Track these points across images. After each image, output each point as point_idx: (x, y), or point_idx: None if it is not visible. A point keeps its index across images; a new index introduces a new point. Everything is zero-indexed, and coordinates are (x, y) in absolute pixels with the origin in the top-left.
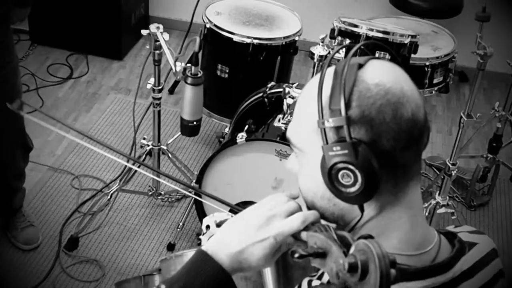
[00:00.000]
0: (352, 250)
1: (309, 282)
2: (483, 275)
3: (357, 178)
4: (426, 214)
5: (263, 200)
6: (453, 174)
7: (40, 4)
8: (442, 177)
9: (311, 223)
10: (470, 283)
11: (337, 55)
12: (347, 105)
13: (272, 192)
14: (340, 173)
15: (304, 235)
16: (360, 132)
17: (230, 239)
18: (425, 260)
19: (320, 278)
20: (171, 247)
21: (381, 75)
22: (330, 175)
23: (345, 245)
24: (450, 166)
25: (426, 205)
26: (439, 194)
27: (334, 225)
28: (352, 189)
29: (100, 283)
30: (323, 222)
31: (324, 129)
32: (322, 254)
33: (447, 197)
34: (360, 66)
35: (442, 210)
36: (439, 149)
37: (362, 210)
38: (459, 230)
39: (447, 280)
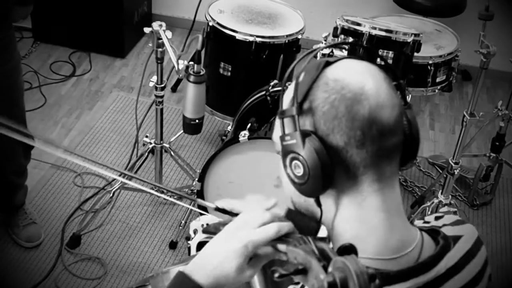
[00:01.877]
0: (330, 268)
1: None
2: (472, 267)
3: (305, 168)
4: (429, 212)
5: (239, 215)
6: (456, 173)
7: (43, 1)
8: (444, 176)
9: (286, 234)
10: (460, 277)
11: (339, 53)
12: (304, 98)
13: (274, 191)
14: (293, 163)
15: (283, 248)
16: (313, 124)
17: (204, 257)
18: (407, 262)
19: (302, 287)
20: (173, 245)
21: (343, 72)
22: (286, 165)
23: (324, 258)
24: (453, 165)
25: (429, 203)
26: (441, 193)
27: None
28: (302, 181)
29: (102, 281)
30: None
31: (283, 120)
32: (302, 271)
33: (450, 196)
34: (329, 63)
35: (445, 209)
36: (441, 148)
37: (318, 204)
38: (441, 223)
39: (430, 279)
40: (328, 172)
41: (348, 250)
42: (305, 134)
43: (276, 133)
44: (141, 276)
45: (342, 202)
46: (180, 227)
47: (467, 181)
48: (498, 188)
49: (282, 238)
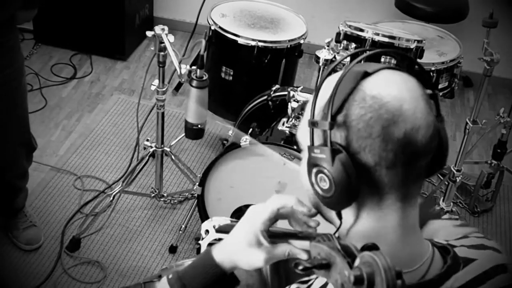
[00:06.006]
0: (357, 263)
1: None
2: None
3: (331, 184)
4: None
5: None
6: (457, 180)
7: (44, 3)
8: (446, 183)
9: (312, 235)
10: None
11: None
12: (338, 111)
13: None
14: (319, 175)
15: (307, 244)
16: (345, 140)
17: (226, 237)
18: (413, 278)
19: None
20: (173, 250)
21: (382, 88)
22: (311, 175)
23: (349, 255)
24: (455, 172)
25: (430, 210)
26: (443, 200)
27: (337, 235)
28: (327, 194)
29: (101, 285)
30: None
31: (313, 129)
32: (326, 266)
33: (451, 203)
34: (367, 74)
35: (446, 216)
36: None
37: (339, 217)
38: (460, 243)
39: None
40: (355, 190)
41: (371, 249)
42: (335, 151)
43: (303, 136)
44: (140, 280)
45: (362, 216)
46: (180, 232)
47: (468, 188)
48: (499, 195)
49: (306, 235)
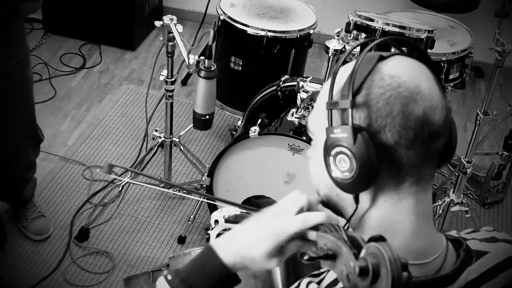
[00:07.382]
0: (363, 253)
1: (308, 284)
2: (491, 285)
3: (352, 164)
4: (440, 211)
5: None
6: (468, 171)
7: None
8: (456, 174)
9: (318, 224)
10: None
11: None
12: (357, 91)
13: (284, 187)
14: (338, 157)
15: (314, 235)
16: (365, 120)
17: (234, 235)
18: (428, 271)
19: (319, 283)
20: (181, 240)
21: (399, 69)
22: (329, 158)
23: (355, 247)
24: (465, 164)
25: (440, 202)
26: (453, 192)
27: (346, 226)
28: (347, 175)
29: (110, 275)
30: (333, 220)
31: (331, 111)
32: (332, 256)
33: (461, 195)
34: (382, 58)
35: (456, 208)
36: None
37: (356, 201)
38: (471, 236)
39: None
40: (375, 170)
41: (378, 241)
42: (357, 129)
43: (316, 122)
44: (149, 269)
45: (378, 201)
46: (189, 222)
47: (478, 179)
48: (510, 186)
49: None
